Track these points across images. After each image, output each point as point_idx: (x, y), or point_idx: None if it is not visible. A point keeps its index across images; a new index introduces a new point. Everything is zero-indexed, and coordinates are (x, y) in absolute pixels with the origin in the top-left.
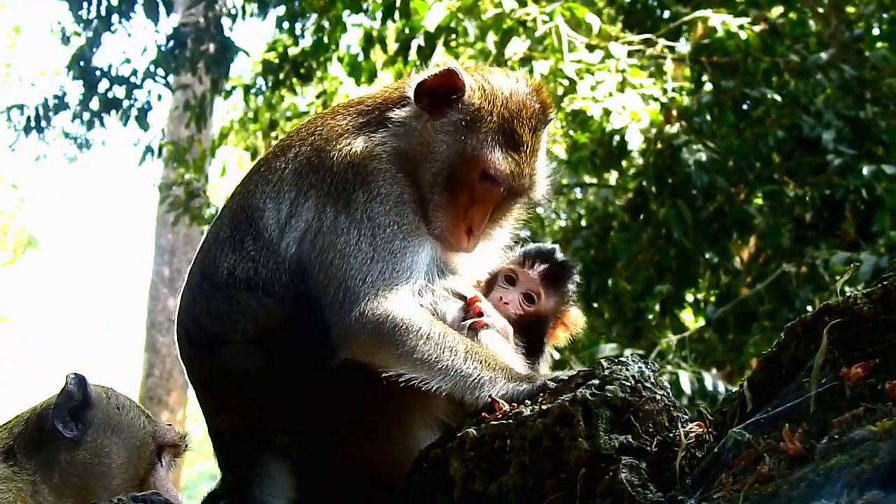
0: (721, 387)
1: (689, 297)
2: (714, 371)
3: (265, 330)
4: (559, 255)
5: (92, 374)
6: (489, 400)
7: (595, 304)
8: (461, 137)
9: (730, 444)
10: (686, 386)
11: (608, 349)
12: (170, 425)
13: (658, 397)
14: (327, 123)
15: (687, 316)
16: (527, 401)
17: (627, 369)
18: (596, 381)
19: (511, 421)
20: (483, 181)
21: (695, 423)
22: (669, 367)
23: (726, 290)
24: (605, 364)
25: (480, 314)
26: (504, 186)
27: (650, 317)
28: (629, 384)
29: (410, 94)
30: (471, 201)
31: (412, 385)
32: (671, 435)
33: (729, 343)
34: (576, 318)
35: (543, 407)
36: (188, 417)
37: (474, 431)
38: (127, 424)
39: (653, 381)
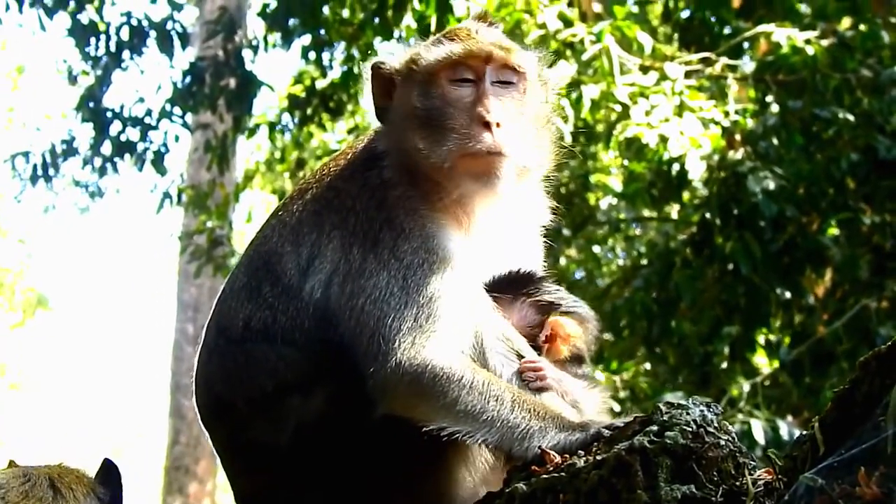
0: (798, 435)
1: (761, 339)
2: (790, 418)
3: (286, 384)
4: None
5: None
6: (539, 451)
7: (658, 349)
8: (409, 84)
9: (801, 490)
10: (759, 436)
11: (673, 398)
12: None
13: (722, 443)
14: (341, 162)
15: (759, 359)
16: (580, 451)
17: (688, 413)
18: (655, 428)
19: (563, 473)
20: (455, 83)
21: (763, 470)
22: (741, 416)
23: (801, 329)
24: (663, 409)
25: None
26: (475, 69)
27: (718, 361)
28: (691, 429)
29: (375, 119)
30: (467, 103)
31: (455, 439)
32: (738, 483)
33: (805, 387)
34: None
35: (598, 457)
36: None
37: (524, 486)
38: None
39: (716, 425)
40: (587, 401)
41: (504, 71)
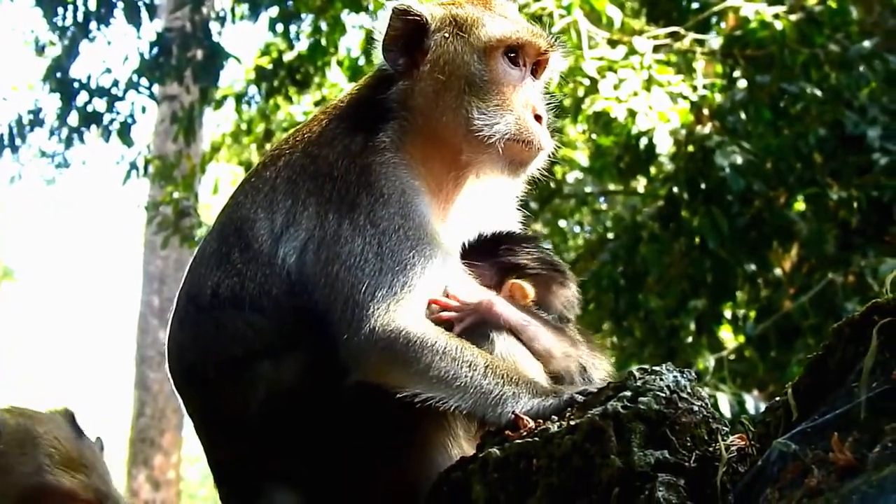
0: (764, 408)
1: (727, 313)
2: (756, 392)
3: (255, 352)
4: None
5: (78, 417)
6: (513, 417)
7: (624, 323)
8: (462, 46)
9: (774, 456)
10: (726, 409)
11: None
12: None
13: (696, 409)
14: (315, 129)
15: (725, 333)
16: (553, 416)
17: (662, 379)
18: (628, 393)
19: (537, 438)
20: (508, 63)
21: (736, 436)
22: (707, 390)
23: (767, 303)
24: (637, 374)
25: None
26: (529, 57)
27: (684, 335)
28: (664, 395)
29: (384, 62)
30: (516, 87)
31: (429, 405)
32: (711, 449)
33: (771, 361)
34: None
35: (572, 422)
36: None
37: (497, 451)
38: None
39: (689, 391)
40: (557, 346)
41: (540, 63)
